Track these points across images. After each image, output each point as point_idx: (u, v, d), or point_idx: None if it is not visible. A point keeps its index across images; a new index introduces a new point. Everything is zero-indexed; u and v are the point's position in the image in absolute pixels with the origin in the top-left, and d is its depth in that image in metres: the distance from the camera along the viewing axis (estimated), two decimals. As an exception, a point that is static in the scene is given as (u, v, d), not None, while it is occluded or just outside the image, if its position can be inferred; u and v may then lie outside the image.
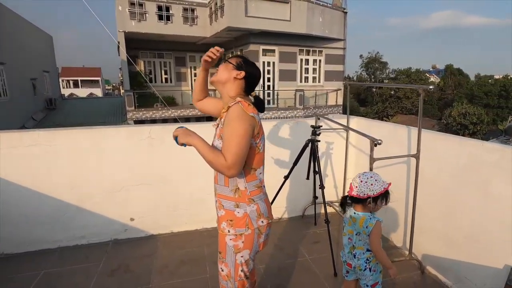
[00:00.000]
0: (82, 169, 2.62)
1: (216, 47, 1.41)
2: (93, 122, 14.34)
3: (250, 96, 1.42)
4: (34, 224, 2.60)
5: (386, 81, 32.54)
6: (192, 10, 13.10)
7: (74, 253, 2.60)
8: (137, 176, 2.75)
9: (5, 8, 12.50)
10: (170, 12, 12.54)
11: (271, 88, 14.32)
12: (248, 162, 1.30)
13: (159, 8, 12.34)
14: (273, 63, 14.04)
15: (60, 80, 45.84)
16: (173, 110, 12.75)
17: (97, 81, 47.66)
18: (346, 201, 1.61)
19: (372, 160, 2.03)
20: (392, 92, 28.57)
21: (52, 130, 2.61)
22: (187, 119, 13.57)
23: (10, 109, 12.00)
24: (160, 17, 12.45)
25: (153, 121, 13.32)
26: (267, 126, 2.94)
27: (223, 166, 1.19)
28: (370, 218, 1.51)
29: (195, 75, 15.83)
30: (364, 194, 1.49)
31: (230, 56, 1.60)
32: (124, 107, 13.58)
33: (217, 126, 1.38)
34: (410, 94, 27.97)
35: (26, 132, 2.54)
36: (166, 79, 15.47)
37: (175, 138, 1.31)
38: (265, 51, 13.74)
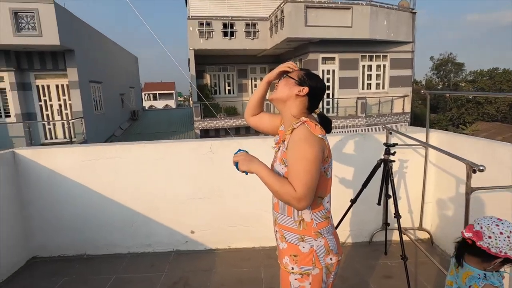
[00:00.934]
0: (150, 180, 2.70)
1: (292, 64, 1.26)
2: (166, 131, 15.55)
3: (314, 114, 1.22)
4: (110, 230, 2.76)
5: (463, 84, 28.71)
6: (254, 25, 13.34)
7: (141, 260, 2.67)
8: (198, 190, 2.73)
9: (104, 37, 14.43)
10: (234, 28, 12.96)
11: (331, 96, 13.71)
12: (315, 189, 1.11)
13: (224, 25, 12.85)
14: (333, 71, 13.44)
15: (143, 94, 51.39)
16: (234, 120, 13.06)
17: (171, 94, 52.06)
18: (462, 249, 1.11)
19: (469, 189, 1.60)
20: (471, 97, 24.97)
21: (126, 144, 2.75)
22: (247, 128, 13.78)
23: (105, 119, 13.69)
24: (225, 34, 12.95)
25: (217, 130, 13.84)
26: (330, 141, 2.65)
27: (292, 198, 1.02)
28: (480, 279, 1.05)
29: (255, 86, 16.06)
30: (498, 251, 1.00)
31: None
32: (192, 117, 14.39)
33: (278, 149, 1.21)
34: (494, 98, 24.05)
35: (107, 146, 2.71)
36: (229, 90, 16.01)
37: (236, 164, 1.16)
38: (324, 59, 13.24)
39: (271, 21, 13.13)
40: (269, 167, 1.14)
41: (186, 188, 2.72)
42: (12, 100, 10.54)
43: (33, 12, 8.81)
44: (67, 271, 2.53)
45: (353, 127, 13.07)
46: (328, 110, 13.73)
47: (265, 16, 13.60)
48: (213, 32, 12.79)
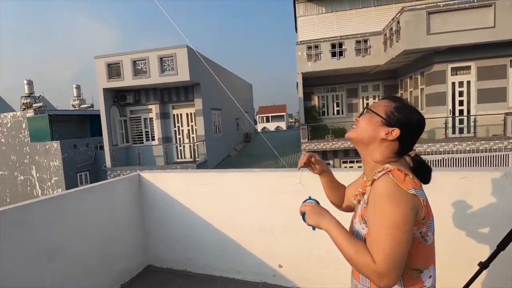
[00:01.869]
0: (241, 207, 2.78)
1: (309, 154, 1.14)
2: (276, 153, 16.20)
3: (406, 157, 0.95)
4: (208, 251, 2.96)
5: None
6: (365, 41, 12.65)
7: (231, 286, 2.73)
8: (287, 222, 2.63)
9: (223, 69, 16.67)
10: (343, 47, 12.62)
11: (465, 113, 11.32)
12: (409, 260, 0.85)
13: (333, 46, 12.70)
14: (468, 82, 11.13)
15: (257, 117, 55.92)
16: (342, 141, 12.42)
17: (283, 115, 54.54)
18: None
19: None
20: None
21: (222, 172, 2.96)
22: (357, 151, 12.81)
23: (222, 142, 15.49)
24: (333, 54, 12.76)
25: (324, 152, 13.45)
26: (452, 178, 2.11)
27: (371, 272, 0.81)
28: None
29: (367, 105, 14.94)
30: None
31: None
32: (299, 139, 14.54)
33: (358, 202, 1.01)
34: None
35: (205, 173, 2.99)
36: (337, 111, 15.49)
37: (303, 214, 1.04)
38: (455, 70, 11.16)
39: (385, 35, 12.15)
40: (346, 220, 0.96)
41: (275, 219, 2.67)
42: (156, 127, 13.28)
43: (172, 57, 11.03)
44: (172, 284, 2.84)
45: (499, 150, 10.31)
46: (461, 130, 11.36)
47: (378, 31, 12.73)
48: (321, 54, 12.81)
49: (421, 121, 0.93)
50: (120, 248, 2.88)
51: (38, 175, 17.04)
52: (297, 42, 13.30)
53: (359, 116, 1.02)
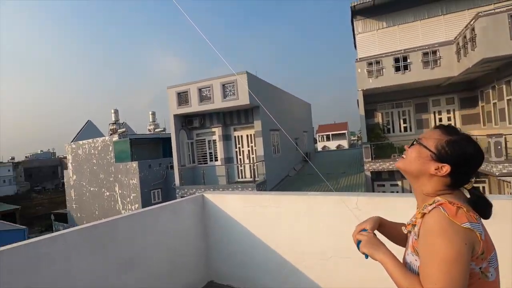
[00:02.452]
0: (296, 230, 2.83)
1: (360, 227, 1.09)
2: (336, 172, 15.65)
3: (462, 189, 0.91)
4: (266, 271, 3.04)
5: None
6: (434, 52, 11.73)
7: (288, 310, 2.74)
8: (344, 248, 2.57)
9: (281, 91, 17.08)
10: (408, 61, 11.90)
11: None
12: None
13: (396, 60, 12.08)
14: None
15: (317, 136, 54.97)
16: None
17: (344, 133, 52.57)
18: None
19: None
20: None
21: (278, 194, 3.06)
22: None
23: (281, 162, 15.62)
24: (397, 68, 12.10)
25: (391, 173, 12.52)
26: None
27: None
28: None
29: (439, 120, 13.59)
30: None
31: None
32: (362, 158, 13.84)
33: (408, 232, 1.00)
34: None
35: (262, 195, 3.13)
36: (405, 128, 14.38)
37: (358, 242, 1.05)
38: (552, 76, 9.54)
39: (458, 44, 11.11)
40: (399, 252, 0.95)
41: (331, 244, 2.63)
42: (219, 148, 14.11)
43: (233, 83, 11.80)
44: (230, 301, 2.97)
45: None
46: None
47: (448, 40, 11.72)
48: (383, 70, 12.27)
49: (476, 155, 0.88)
50: (185, 262, 3.15)
51: (120, 191, 19.42)
52: (357, 59, 13.01)
53: (410, 146, 1.00)
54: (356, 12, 13.24)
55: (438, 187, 0.90)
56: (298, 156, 19.53)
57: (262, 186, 12.64)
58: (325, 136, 54.88)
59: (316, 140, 55.10)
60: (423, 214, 0.88)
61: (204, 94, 12.79)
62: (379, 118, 14.68)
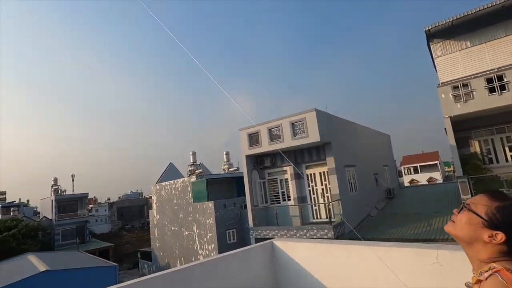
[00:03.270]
0: (370, 284, 2.74)
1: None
2: (427, 211, 13.97)
3: None
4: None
5: None
6: (540, 66, 10.19)
7: None
8: (426, 308, 2.40)
9: (355, 124, 16.71)
10: (505, 80, 10.54)
11: None
12: None
13: (489, 81, 10.83)
14: None
15: (402, 168, 50.30)
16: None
17: (436, 164, 46.93)
18: None
19: None
20: None
21: (348, 244, 3.06)
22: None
23: (359, 200, 14.80)
24: (491, 90, 10.78)
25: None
26: None
27: None
28: None
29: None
30: None
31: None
32: (459, 194, 12.17)
33: None
34: None
35: (333, 244, 3.16)
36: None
37: None
38: None
39: None
40: None
41: (411, 302, 2.48)
42: (291, 187, 14.23)
43: (302, 121, 12.14)
44: None
45: None
46: None
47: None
48: (473, 92, 11.09)
49: None
50: (258, 311, 3.29)
51: (197, 231, 20.79)
52: (439, 84, 12.10)
53: (459, 211, 1.01)
54: (432, 35, 12.58)
55: (493, 254, 0.90)
56: (380, 193, 18.19)
57: (339, 228, 12.10)
58: (412, 168, 49.85)
59: (402, 173, 50.38)
60: (479, 281, 0.88)
61: (274, 134, 13.40)
62: (475, 146, 12.95)
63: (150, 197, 33.76)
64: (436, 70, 13.67)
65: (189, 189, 21.96)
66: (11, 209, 41.96)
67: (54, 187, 36.49)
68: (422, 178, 45.73)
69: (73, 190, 39.04)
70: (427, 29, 12.28)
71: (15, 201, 49.64)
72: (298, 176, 14.18)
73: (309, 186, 14.16)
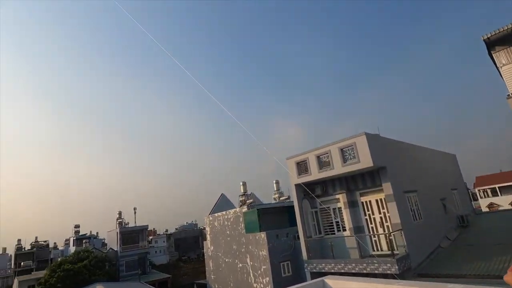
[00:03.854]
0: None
1: None
2: (511, 242, 12.11)
3: None
4: None
5: None
6: None
7: None
8: None
9: (413, 146, 15.67)
10: None
11: None
12: None
13: None
14: None
15: (477, 191, 44.81)
16: None
17: (520, 185, 40.99)
18: None
19: None
20: None
21: (409, 285, 2.83)
22: None
23: (426, 230, 13.47)
24: None
25: None
26: None
27: None
28: None
29: None
30: None
31: None
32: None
33: None
34: None
35: (389, 284, 2.96)
36: None
37: None
38: None
39: None
40: None
41: None
42: (346, 216, 13.56)
43: (352, 146, 11.78)
44: None
45: None
46: None
47: None
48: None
49: None
50: None
51: (251, 263, 20.57)
52: (508, 95, 10.94)
53: None
54: (493, 43, 11.61)
55: None
56: (450, 220, 16.36)
57: (404, 262, 11.05)
58: (489, 191, 44.11)
59: (476, 196, 44.85)
60: None
61: (323, 161, 13.15)
62: None
63: (204, 228, 34.69)
64: (503, 80, 12.44)
65: (241, 220, 22.14)
66: (84, 241, 46.31)
67: (118, 220, 39.58)
68: (504, 201, 40.06)
69: (135, 222, 41.89)
70: (486, 37, 11.40)
71: (86, 234, 54.76)
72: (352, 204, 13.51)
73: (365, 215, 13.35)
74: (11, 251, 52.65)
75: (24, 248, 51.55)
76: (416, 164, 15.22)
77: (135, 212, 42.95)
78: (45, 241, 55.01)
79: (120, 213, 40.18)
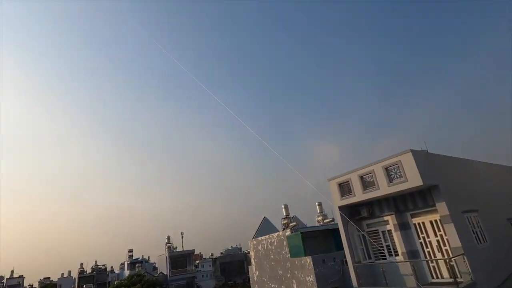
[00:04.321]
0: None
1: None
2: None
3: None
4: None
5: None
6: None
7: None
8: None
9: (469, 161, 14.27)
10: None
11: None
12: None
13: None
14: None
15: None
16: None
17: None
18: None
19: None
20: None
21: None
22: None
23: (494, 254, 11.90)
24: None
25: None
26: None
27: None
28: None
29: None
30: None
31: None
32: None
33: None
34: None
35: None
36: None
37: None
38: None
39: None
40: None
41: None
42: (397, 239, 12.48)
43: (398, 164, 11.01)
44: None
45: None
46: None
47: None
48: None
49: None
50: None
51: (298, 289, 19.61)
52: None
53: None
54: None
55: None
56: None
57: (470, 291, 9.75)
58: None
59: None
60: None
61: (367, 181, 12.43)
62: None
63: (249, 252, 34.25)
64: None
65: (284, 244, 21.49)
66: (137, 265, 48.16)
67: (167, 244, 40.76)
68: None
69: (182, 246, 42.83)
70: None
71: (139, 258, 57.01)
72: (403, 227, 12.44)
73: (419, 238, 12.17)
74: (74, 274, 56.42)
75: (86, 271, 54.91)
76: (474, 181, 13.75)
77: (182, 237, 44.00)
78: (104, 265, 58.16)
79: (169, 238, 41.41)
